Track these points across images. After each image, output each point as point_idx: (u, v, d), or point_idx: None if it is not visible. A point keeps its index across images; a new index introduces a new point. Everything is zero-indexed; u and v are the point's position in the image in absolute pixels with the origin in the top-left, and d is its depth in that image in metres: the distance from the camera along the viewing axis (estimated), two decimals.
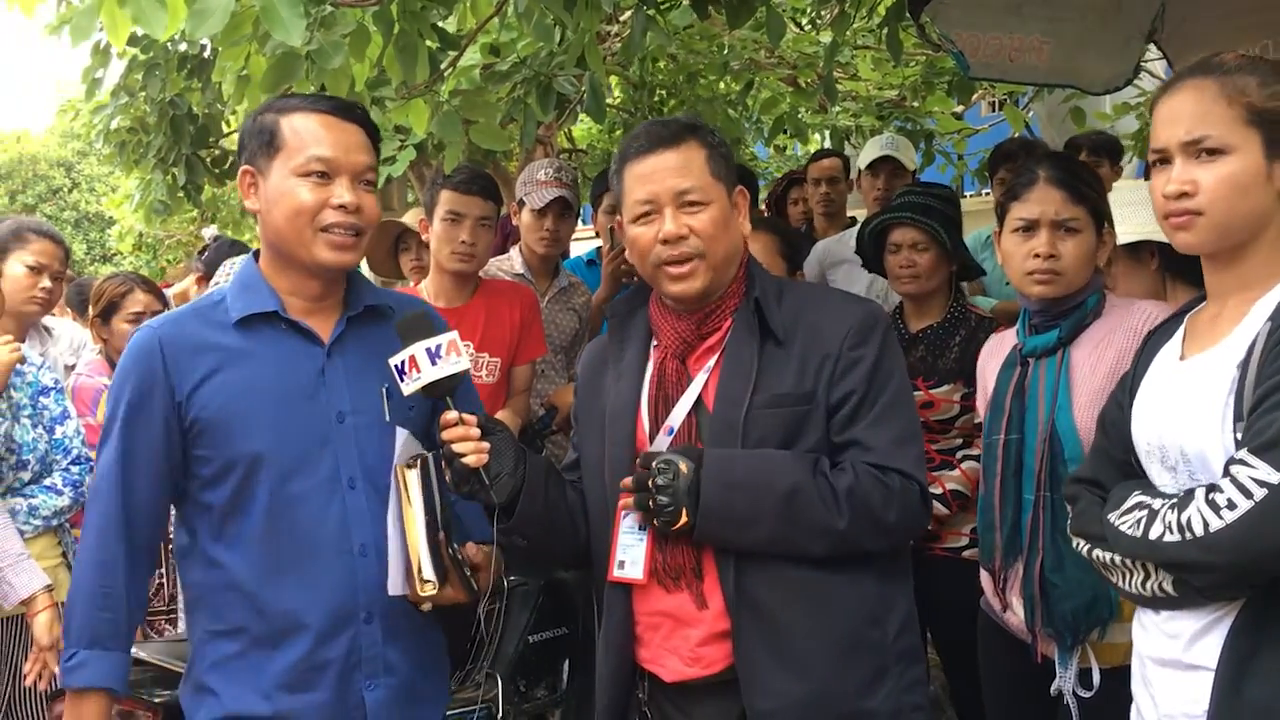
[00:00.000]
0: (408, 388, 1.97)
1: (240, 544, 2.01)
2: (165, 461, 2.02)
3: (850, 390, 1.97)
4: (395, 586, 2.01)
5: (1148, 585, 1.75)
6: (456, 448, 1.96)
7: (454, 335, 1.98)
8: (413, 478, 1.99)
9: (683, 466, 1.93)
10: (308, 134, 2.02)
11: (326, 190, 2.01)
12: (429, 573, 1.97)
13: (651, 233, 2.02)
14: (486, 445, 1.98)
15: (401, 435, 2.04)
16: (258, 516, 1.99)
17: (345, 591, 2.01)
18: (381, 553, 2.02)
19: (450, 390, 1.98)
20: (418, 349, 1.96)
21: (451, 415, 1.97)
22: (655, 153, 2.03)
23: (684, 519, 1.93)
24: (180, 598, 3.47)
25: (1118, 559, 1.79)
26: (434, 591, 1.97)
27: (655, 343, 2.13)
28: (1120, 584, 1.81)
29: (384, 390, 2.07)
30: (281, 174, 2.01)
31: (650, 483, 1.94)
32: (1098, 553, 1.85)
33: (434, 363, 1.95)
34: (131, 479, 2.01)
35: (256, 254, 2.14)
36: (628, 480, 2.01)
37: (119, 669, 2.02)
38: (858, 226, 4.04)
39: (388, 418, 2.07)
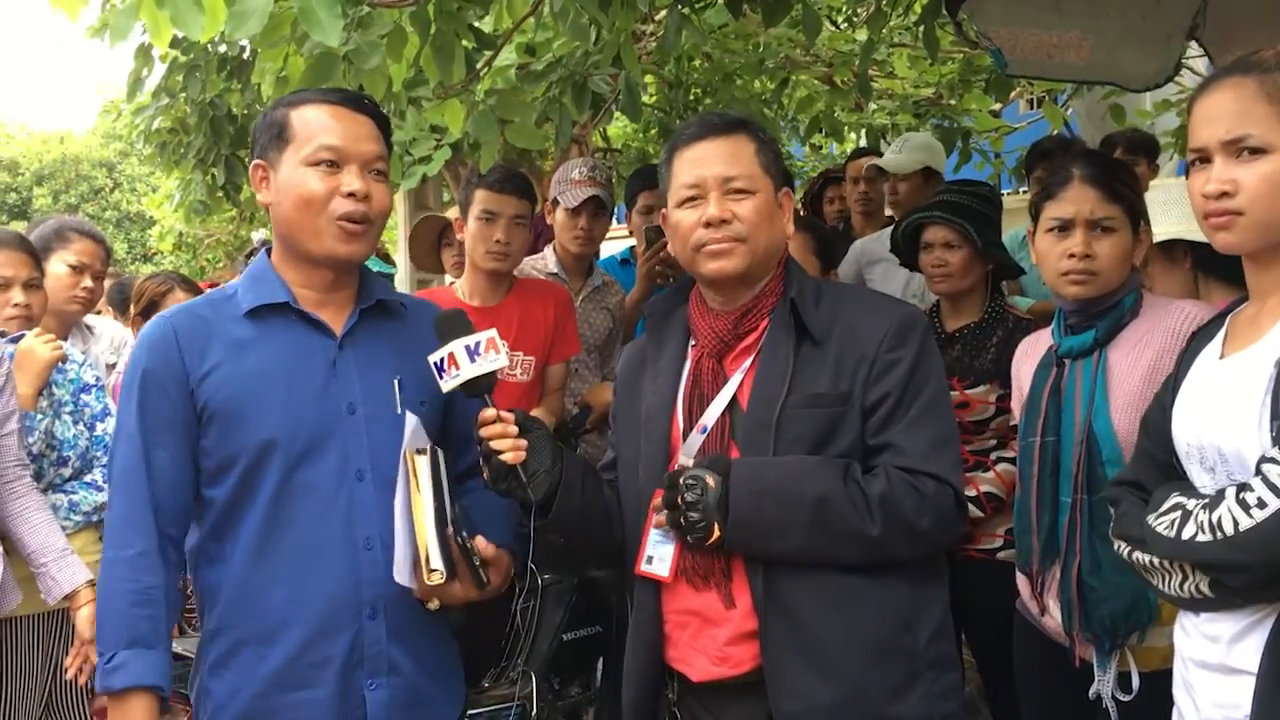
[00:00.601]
0: (446, 385, 1.97)
1: (241, 538, 1.99)
2: (186, 448, 2.00)
3: (886, 392, 1.95)
4: (402, 575, 1.99)
5: (1185, 587, 1.73)
6: (494, 444, 1.97)
7: (493, 333, 1.99)
8: (422, 464, 1.99)
9: (710, 481, 1.92)
10: (316, 124, 2.03)
11: (335, 179, 2.02)
12: (436, 562, 1.95)
13: (695, 216, 2.02)
14: (524, 442, 1.98)
15: (411, 422, 2.03)
16: (262, 507, 1.97)
17: (348, 585, 1.98)
18: (388, 547, 2.00)
19: (488, 388, 1.99)
20: (456, 346, 1.97)
21: (490, 412, 1.98)
22: (705, 139, 2.04)
23: (716, 533, 1.92)
24: None
25: (1156, 561, 1.77)
26: (441, 581, 1.95)
27: (693, 342, 2.13)
28: (1160, 586, 1.79)
29: (396, 383, 2.08)
30: (291, 165, 2.02)
31: (679, 500, 1.93)
32: (1138, 555, 1.83)
33: (473, 360, 1.96)
34: (155, 469, 1.98)
35: (269, 249, 2.15)
36: (658, 500, 2.00)
37: (160, 666, 1.96)
38: (886, 230, 4.03)
39: (399, 410, 2.06)
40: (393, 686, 2.02)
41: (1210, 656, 1.75)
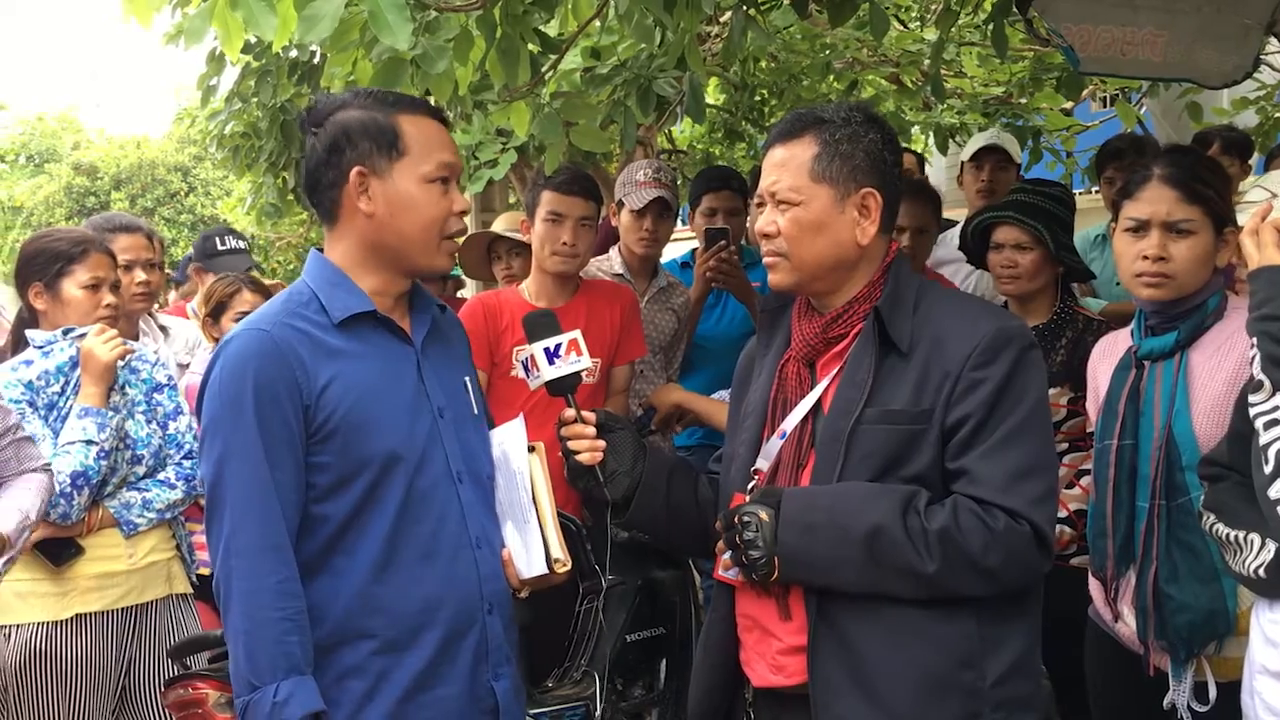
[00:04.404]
0: (532, 384, 2.07)
1: (362, 550, 1.96)
2: (300, 465, 1.95)
3: (967, 414, 1.85)
4: (534, 567, 2.05)
5: (1247, 564, 1.68)
6: (571, 445, 2.00)
7: (576, 334, 2.04)
8: (536, 462, 2.06)
9: (763, 515, 1.88)
10: (432, 139, 2.01)
11: (449, 197, 2.02)
12: (558, 551, 2.03)
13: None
14: (602, 443, 2.01)
15: (519, 422, 2.10)
16: (389, 517, 1.96)
17: (471, 584, 2.03)
18: (492, 544, 2.06)
19: (571, 388, 2.05)
20: (537, 348, 2.04)
21: (570, 412, 2.02)
22: (774, 145, 2.03)
23: (778, 570, 1.88)
24: None
25: (1234, 534, 1.72)
26: (566, 569, 2.04)
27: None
28: (1230, 560, 1.74)
29: (466, 383, 2.12)
30: (409, 179, 1.98)
31: (738, 539, 1.90)
32: (1219, 527, 1.77)
33: (551, 362, 2.02)
34: (281, 490, 1.93)
35: (318, 250, 2.09)
36: (721, 541, 1.98)
37: (316, 688, 1.92)
38: (955, 228, 3.97)
39: (475, 410, 2.11)
40: (510, 676, 2.09)
41: (1269, 662, 1.70)
